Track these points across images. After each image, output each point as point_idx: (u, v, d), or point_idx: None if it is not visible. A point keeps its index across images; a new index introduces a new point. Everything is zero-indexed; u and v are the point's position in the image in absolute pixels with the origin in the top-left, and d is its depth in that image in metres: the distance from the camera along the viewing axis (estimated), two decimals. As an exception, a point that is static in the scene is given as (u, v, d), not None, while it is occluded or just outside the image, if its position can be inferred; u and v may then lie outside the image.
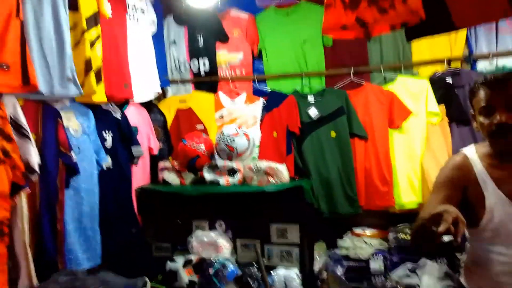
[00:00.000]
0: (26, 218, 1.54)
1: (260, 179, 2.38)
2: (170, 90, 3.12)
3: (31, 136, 1.58)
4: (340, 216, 2.61)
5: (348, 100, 2.70)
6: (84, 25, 1.94)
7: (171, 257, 2.33)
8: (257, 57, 3.08)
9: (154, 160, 2.71)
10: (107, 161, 2.17)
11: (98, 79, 2.02)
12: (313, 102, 2.78)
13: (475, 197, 1.20)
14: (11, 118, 1.52)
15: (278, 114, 2.83)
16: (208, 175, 2.45)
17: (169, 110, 3.00)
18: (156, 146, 2.72)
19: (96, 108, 2.17)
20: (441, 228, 0.90)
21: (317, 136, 2.72)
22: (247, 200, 2.33)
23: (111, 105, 2.30)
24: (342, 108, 2.69)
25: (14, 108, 1.54)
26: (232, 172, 2.43)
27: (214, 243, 2.28)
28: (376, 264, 2.30)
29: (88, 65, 1.94)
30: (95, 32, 2.04)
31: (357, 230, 2.52)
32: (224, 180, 2.41)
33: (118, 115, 2.32)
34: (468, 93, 1.28)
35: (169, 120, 2.98)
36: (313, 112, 2.76)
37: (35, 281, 1.54)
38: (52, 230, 1.70)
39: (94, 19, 2.05)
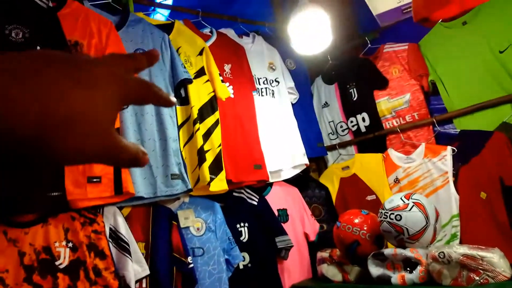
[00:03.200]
0: None
1: (455, 275, 1.50)
2: (330, 158, 2.65)
3: (132, 247, 1.47)
4: None
5: None
6: (195, 115, 1.84)
7: None
8: (431, 92, 2.28)
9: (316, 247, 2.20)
10: (242, 260, 1.85)
11: (217, 168, 1.83)
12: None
13: None
14: (111, 229, 1.46)
15: (482, 164, 1.93)
16: (374, 269, 1.74)
17: (332, 182, 2.50)
18: (312, 230, 2.23)
19: (226, 198, 1.96)
20: None
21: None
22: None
23: (245, 190, 2.04)
24: None
25: (114, 218, 1.49)
26: (408, 264, 1.65)
27: None
28: None
29: (201, 156, 1.78)
30: (212, 119, 1.92)
31: None
32: (397, 277, 1.65)
33: (254, 201, 2.03)
34: None
35: (334, 194, 2.47)
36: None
37: None
38: None
39: (211, 106, 1.95)
